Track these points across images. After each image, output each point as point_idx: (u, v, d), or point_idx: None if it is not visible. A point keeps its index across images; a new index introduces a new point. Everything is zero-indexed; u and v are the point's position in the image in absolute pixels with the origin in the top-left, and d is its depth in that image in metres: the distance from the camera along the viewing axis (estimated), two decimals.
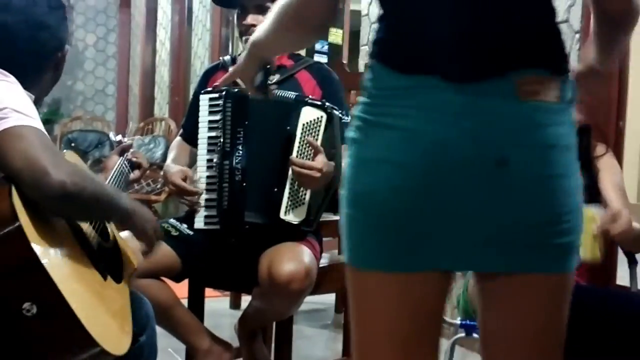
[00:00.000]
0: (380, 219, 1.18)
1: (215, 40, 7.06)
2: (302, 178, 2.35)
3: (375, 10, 4.65)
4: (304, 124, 2.40)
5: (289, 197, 2.41)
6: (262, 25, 1.31)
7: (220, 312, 3.84)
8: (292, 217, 2.43)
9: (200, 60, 7.38)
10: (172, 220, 2.59)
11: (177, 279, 2.56)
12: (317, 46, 5.36)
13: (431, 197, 1.15)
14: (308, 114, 2.41)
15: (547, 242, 1.19)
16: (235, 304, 4.20)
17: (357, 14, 5.03)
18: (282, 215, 2.41)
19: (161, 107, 8.56)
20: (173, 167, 2.55)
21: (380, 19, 1.25)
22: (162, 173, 2.57)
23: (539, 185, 1.16)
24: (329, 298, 4.24)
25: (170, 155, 2.68)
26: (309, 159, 2.36)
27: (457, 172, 1.14)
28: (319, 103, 2.45)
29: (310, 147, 2.38)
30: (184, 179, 2.49)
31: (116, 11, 10.77)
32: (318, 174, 2.33)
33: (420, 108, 1.15)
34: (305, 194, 2.43)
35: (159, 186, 6.63)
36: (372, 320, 1.24)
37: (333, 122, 2.45)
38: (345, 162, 1.27)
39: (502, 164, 1.13)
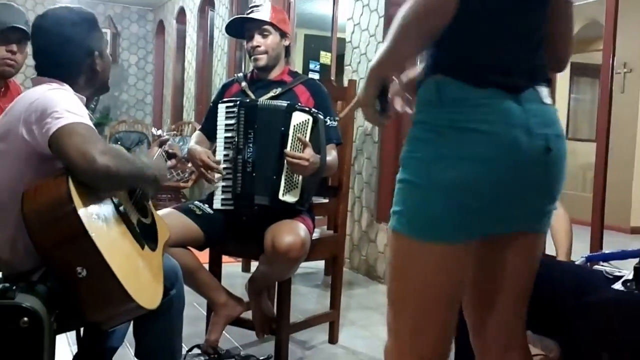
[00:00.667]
0: (464, 201, 1.16)
1: (231, 61, 7.06)
2: (294, 166, 2.36)
3: (356, 38, 4.61)
4: (294, 125, 2.40)
5: (285, 182, 2.41)
6: (382, 49, 1.21)
7: (234, 274, 3.82)
8: (288, 198, 2.42)
9: (219, 77, 7.36)
10: (196, 202, 2.57)
11: (201, 248, 2.54)
12: (311, 66, 5.34)
13: (507, 181, 1.17)
14: (297, 117, 2.41)
15: (552, 208, 1.29)
16: (245, 268, 4.18)
17: (342, 41, 5.00)
18: (280, 197, 2.40)
19: (188, 113, 8.54)
20: (199, 148, 2.53)
21: (450, 41, 1.19)
22: (187, 152, 2.54)
23: (561, 164, 1.24)
24: (319, 264, 4.24)
25: (193, 141, 2.64)
26: (299, 152, 2.37)
27: (525, 159, 1.17)
28: (306, 109, 2.45)
29: (300, 143, 2.39)
30: (208, 157, 2.47)
31: (153, 37, 10.74)
32: (306, 163, 2.35)
33: (496, 113, 1.16)
34: (298, 180, 2.43)
35: (186, 175, 6.64)
36: (431, 283, 1.22)
37: (318, 124, 2.45)
38: (404, 155, 1.24)
39: (549, 150, 1.19)
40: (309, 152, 2.37)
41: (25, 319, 1.32)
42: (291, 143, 2.39)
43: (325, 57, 5.67)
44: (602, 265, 1.78)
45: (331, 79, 4.54)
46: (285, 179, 2.41)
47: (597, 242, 2.85)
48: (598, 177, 2.94)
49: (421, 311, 1.23)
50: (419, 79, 1.24)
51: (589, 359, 1.31)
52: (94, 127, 1.59)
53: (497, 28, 1.19)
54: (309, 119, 2.42)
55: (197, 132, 2.73)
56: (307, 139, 2.39)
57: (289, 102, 2.46)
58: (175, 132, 7.35)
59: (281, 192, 2.40)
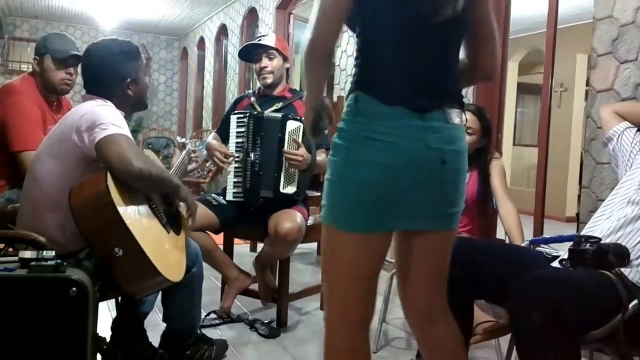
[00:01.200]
0: (365, 198, 1.17)
1: (241, 80, 7.05)
2: (290, 162, 2.38)
3: (344, 62, 4.60)
4: (289, 131, 2.43)
5: (284, 177, 2.42)
6: (317, 84, 1.24)
7: (243, 253, 3.79)
8: (288, 190, 2.44)
9: (232, 93, 7.34)
10: (213, 195, 2.57)
11: (216, 232, 2.54)
12: None
13: (404, 185, 1.17)
14: (291, 125, 2.43)
15: (455, 210, 1.27)
16: (252, 248, 4.15)
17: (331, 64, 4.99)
18: (281, 190, 2.42)
19: (207, 122, 8.52)
20: (215, 142, 2.53)
21: (363, 59, 1.21)
22: (205, 146, 2.52)
23: (457, 175, 1.24)
24: (313, 245, 4.18)
25: (210, 137, 2.65)
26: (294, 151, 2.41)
27: (423, 168, 1.17)
28: (298, 118, 2.46)
29: (295, 144, 2.42)
30: (222, 153, 2.47)
31: (178, 61, 10.70)
32: (300, 159, 2.38)
33: (399, 128, 1.16)
34: (294, 175, 2.44)
35: (205, 173, 6.62)
36: (352, 263, 1.22)
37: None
38: (329, 158, 1.23)
39: (444, 163, 1.19)
40: (302, 150, 2.40)
41: (74, 289, 1.31)
42: (287, 144, 2.41)
43: None
44: (543, 247, 1.78)
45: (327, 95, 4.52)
46: (285, 175, 2.42)
47: (538, 228, 2.86)
48: (539, 176, 2.95)
49: (345, 286, 1.23)
50: (347, 95, 1.24)
51: (531, 324, 1.31)
52: (131, 138, 1.59)
53: (405, 56, 1.17)
54: (299, 126, 2.43)
55: (214, 133, 2.72)
56: (300, 140, 2.42)
57: (283, 113, 2.48)
58: (196, 138, 7.34)
59: (282, 185, 2.41)
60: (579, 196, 4.66)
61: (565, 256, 1.54)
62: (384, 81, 1.18)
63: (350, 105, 1.19)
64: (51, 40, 2.26)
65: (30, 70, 2.31)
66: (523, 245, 1.91)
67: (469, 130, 2.22)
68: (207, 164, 2.33)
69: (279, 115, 2.46)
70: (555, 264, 1.57)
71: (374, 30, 1.19)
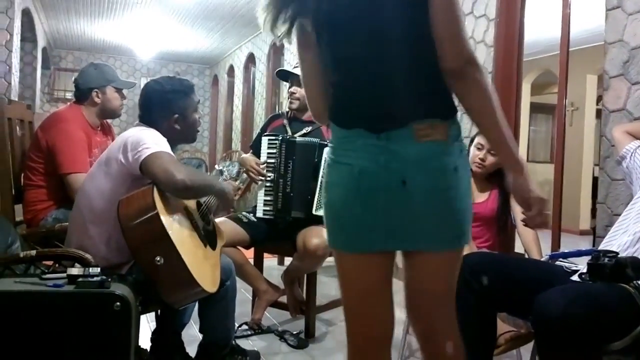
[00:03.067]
0: (337, 219, 1.14)
1: (268, 104, 7.13)
2: None
3: None
4: (325, 158, 2.38)
5: (317, 201, 2.39)
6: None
7: (272, 267, 3.77)
8: (320, 212, 2.38)
9: (259, 116, 7.42)
10: (244, 212, 2.56)
11: (247, 247, 2.53)
12: None
13: (362, 205, 1.09)
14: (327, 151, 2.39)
15: (440, 231, 1.10)
16: (280, 262, 4.14)
17: None
18: (314, 212, 2.39)
19: (235, 143, 8.60)
20: (249, 156, 2.55)
21: (331, 95, 1.17)
22: (239, 160, 2.54)
23: (431, 196, 1.07)
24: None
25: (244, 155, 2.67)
26: None
27: (377, 189, 1.07)
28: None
29: None
30: (257, 164, 2.47)
31: (210, 87, 10.88)
32: None
33: (355, 150, 1.09)
34: None
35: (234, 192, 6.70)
36: (347, 281, 1.17)
37: None
38: None
39: (404, 183, 1.06)
40: None
41: (118, 303, 1.32)
42: (322, 171, 2.38)
43: None
44: (562, 262, 1.74)
45: None
46: (318, 199, 2.39)
47: (555, 242, 2.79)
48: (556, 192, 2.88)
49: (347, 302, 1.18)
50: None
51: (554, 336, 1.28)
52: (173, 155, 1.64)
53: (353, 78, 1.11)
54: None
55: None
56: None
57: (319, 139, 2.47)
58: (226, 158, 7.42)
59: (314, 208, 2.39)
60: (592, 210, 4.58)
61: (585, 270, 1.51)
62: (339, 106, 1.14)
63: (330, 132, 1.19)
64: (108, 72, 2.37)
65: (74, 99, 2.37)
66: (542, 259, 1.87)
67: (491, 151, 2.20)
68: (237, 183, 2.33)
69: (315, 140, 2.46)
70: (575, 277, 1.54)
71: (326, 57, 1.14)
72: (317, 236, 2.30)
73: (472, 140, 2.31)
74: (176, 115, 1.79)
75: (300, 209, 2.43)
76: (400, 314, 2.88)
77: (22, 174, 2.26)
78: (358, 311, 1.17)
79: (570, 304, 1.26)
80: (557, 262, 1.75)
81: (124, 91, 2.42)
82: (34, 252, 1.49)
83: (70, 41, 9.15)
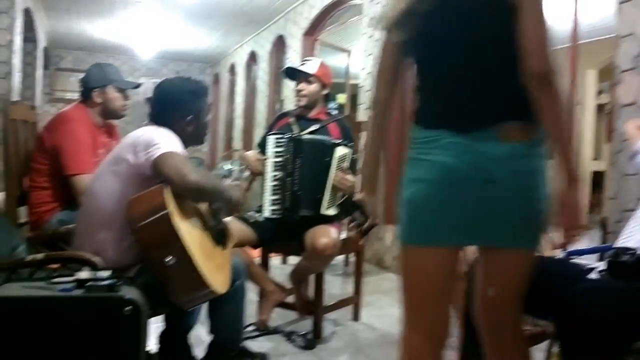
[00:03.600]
0: (418, 213, 1.18)
1: (270, 103, 7.09)
2: (340, 186, 2.36)
3: (368, 83, 4.57)
4: (338, 157, 2.38)
5: (327, 199, 2.37)
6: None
7: (275, 266, 3.70)
8: (329, 212, 2.39)
9: (261, 114, 7.39)
10: (250, 212, 2.52)
11: (255, 247, 2.51)
12: (331, 105, 5.31)
13: (445, 200, 1.15)
14: (340, 151, 2.39)
15: (520, 229, 1.17)
16: (283, 261, 4.11)
17: (355, 86, 4.98)
18: (322, 211, 2.37)
19: (237, 142, 8.56)
20: (250, 153, 2.54)
21: (416, 97, 1.25)
22: (241, 157, 2.58)
23: (514, 195, 1.14)
24: (339, 257, 4.12)
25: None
26: (342, 177, 2.37)
27: (461, 185, 1.14)
28: (346, 144, 2.43)
29: (341, 170, 2.38)
30: (258, 160, 2.46)
31: (211, 86, 10.82)
32: (350, 184, 2.37)
33: (440, 148, 1.15)
34: (337, 199, 2.41)
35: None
36: (416, 276, 1.22)
37: (355, 156, 2.46)
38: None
39: (490, 182, 1.12)
40: (351, 177, 2.37)
41: (128, 307, 1.29)
42: (335, 169, 2.37)
43: (341, 98, 5.68)
44: (579, 259, 1.71)
45: (353, 114, 4.52)
46: (329, 197, 2.37)
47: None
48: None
49: (412, 300, 1.22)
50: None
51: (578, 336, 1.25)
52: (186, 156, 1.60)
53: (444, 84, 1.19)
54: (348, 152, 2.41)
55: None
56: (346, 167, 2.38)
57: (333, 139, 2.44)
58: (226, 157, 7.39)
59: (324, 207, 2.37)
60: (591, 205, 4.55)
61: (604, 268, 1.48)
62: (426, 108, 1.21)
63: (410, 134, 1.23)
64: (110, 72, 2.32)
65: (77, 98, 2.34)
66: (559, 257, 1.83)
67: None
68: (243, 184, 2.30)
69: (327, 139, 2.43)
70: (594, 275, 1.50)
71: (417, 59, 1.23)
72: (325, 235, 2.27)
73: None
74: (190, 117, 1.75)
75: (309, 207, 2.39)
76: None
77: (26, 176, 2.22)
78: (422, 308, 1.21)
79: (596, 304, 1.26)
80: (574, 260, 1.72)
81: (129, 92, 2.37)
82: (40, 256, 1.46)
83: (71, 41, 9.10)
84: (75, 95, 2.36)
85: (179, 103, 1.74)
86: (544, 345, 1.69)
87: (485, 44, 1.14)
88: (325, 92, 2.61)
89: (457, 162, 1.12)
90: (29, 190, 2.19)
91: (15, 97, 5.21)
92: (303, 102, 2.57)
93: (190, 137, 1.78)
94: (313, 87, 2.57)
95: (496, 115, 1.13)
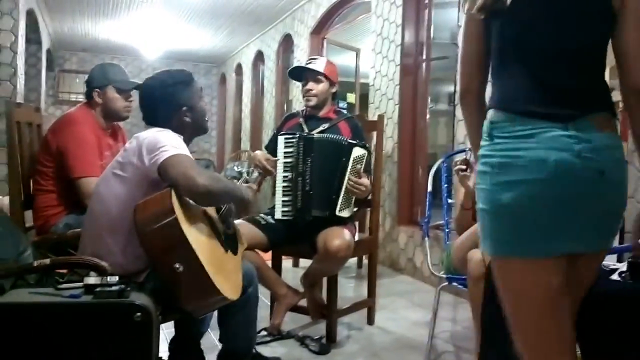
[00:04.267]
0: (517, 220, 1.06)
1: (278, 103, 7.10)
2: (355, 190, 2.33)
3: (378, 82, 4.54)
4: (354, 157, 2.35)
5: (342, 201, 2.35)
6: None
7: (286, 269, 3.64)
8: (344, 214, 2.37)
9: (269, 114, 7.38)
10: (261, 215, 2.50)
11: (265, 250, 2.47)
12: (341, 104, 5.29)
13: (556, 201, 1.04)
14: (357, 151, 2.36)
15: (616, 227, 1.13)
16: (295, 264, 4.08)
17: (365, 85, 4.96)
18: (337, 212, 2.34)
19: (244, 143, 8.57)
20: (258, 152, 2.51)
21: (500, 78, 1.15)
22: (249, 158, 2.53)
23: (619, 187, 1.10)
24: (353, 259, 4.08)
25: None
26: (357, 179, 2.34)
27: (575, 181, 1.04)
28: (363, 144, 2.41)
29: (356, 172, 2.35)
30: (267, 160, 2.42)
31: (217, 86, 10.87)
32: (364, 189, 2.34)
33: (543, 142, 1.04)
34: (351, 201, 2.38)
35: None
36: (522, 293, 1.09)
37: (370, 157, 2.43)
38: (476, 187, 1.13)
39: (602, 174, 1.04)
40: (366, 181, 2.35)
41: (139, 313, 1.27)
42: (350, 171, 2.34)
43: (351, 97, 5.66)
44: None
45: (363, 113, 4.49)
46: (342, 200, 2.35)
47: None
48: None
49: (523, 321, 1.09)
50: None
51: (601, 343, 1.21)
52: (192, 157, 1.57)
53: (544, 70, 1.09)
54: (365, 153, 2.38)
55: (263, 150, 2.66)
56: (363, 168, 2.36)
57: (347, 138, 2.40)
58: (235, 157, 7.39)
59: (338, 208, 2.34)
60: None
61: (625, 269, 1.43)
62: (516, 96, 1.10)
63: (486, 128, 1.12)
64: (111, 72, 2.29)
65: (84, 100, 2.32)
66: None
67: None
68: (253, 185, 2.26)
69: (342, 139, 2.40)
70: (615, 276, 1.46)
71: (509, 43, 1.12)
72: (338, 237, 2.24)
73: None
74: (184, 108, 1.72)
75: (321, 208, 2.36)
76: (425, 315, 2.79)
77: (32, 179, 2.21)
78: (538, 328, 1.08)
79: (619, 307, 1.22)
80: None
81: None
82: (48, 261, 1.44)
83: (75, 42, 9.14)
84: (81, 97, 2.34)
85: (168, 97, 1.70)
86: None
87: (590, 29, 1.08)
88: (333, 90, 2.59)
89: (569, 156, 1.02)
90: (35, 193, 2.17)
91: (19, 99, 5.23)
92: (313, 102, 2.55)
93: (192, 128, 1.75)
94: (322, 86, 2.55)
95: (592, 103, 1.08)
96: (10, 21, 5.08)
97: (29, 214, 2.18)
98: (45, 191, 2.15)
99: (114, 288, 1.29)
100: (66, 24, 7.89)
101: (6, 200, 2.23)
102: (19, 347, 1.23)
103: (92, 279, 1.33)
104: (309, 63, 2.60)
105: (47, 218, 2.13)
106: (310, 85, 2.54)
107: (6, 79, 5.06)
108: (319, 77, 2.54)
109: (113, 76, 2.27)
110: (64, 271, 1.52)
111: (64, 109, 7.19)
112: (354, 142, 2.38)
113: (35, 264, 1.43)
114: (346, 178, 2.33)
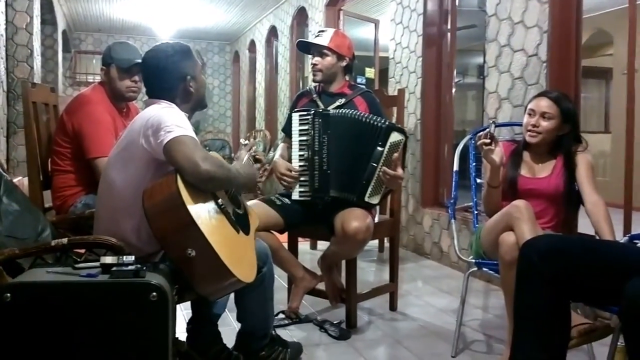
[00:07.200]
0: None
1: (292, 80, 7.08)
2: (391, 181, 2.28)
3: (398, 55, 4.48)
4: (391, 143, 2.29)
5: (372, 189, 2.31)
6: None
7: (304, 251, 3.71)
8: (371, 200, 2.33)
9: (283, 93, 7.37)
10: (277, 195, 2.50)
11: (281, 232, 2.49)
12: (358, 80, 5.24)
13: None
14: (395, 136, 2.30)
15: None
16: (313, 246, 4.13)
17: (385, 59, 4.90)
18: (366, 199, 2.31)
19: (259, 122, 8.62)
20: (280, 162, 2.46)
21: None
22: (272, 163, 2.50)
23: None
24: (374, 242, 4.10)
25: (277, 153, 2.57)
26: (389, 166, 2.27)
27: None
28: (401, 129, 2.35)
29: (391, 160, 2.28)
30: (289, 170, 2.41)
31: (231, 65, 10.91)
32: (400, 180, 2.30)
33: None
34: (382, 188, 2.33)
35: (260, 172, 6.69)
36: None
37: (407, 143, 2.37)
38: None
39: None
40: (401, 172, 2.29)
41: (154, 293, 1.30)
42: (384, 158, 2.28)
43: (370, 72, 5.60)
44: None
45: (382, 89, 4.45)
46: (373, 187, 2.31)
47: (628, 221, 2.64)
48: (627, 166, 2.73)
49: None
50: None
51: None
52: (196, 138, 1.58)
53: None
54: (402, 139, 2.32)
55: (282, 144, 2.64)
56: (399, 156, 2.29)
57: (387, 120, 2.35)
58: (250, 136, 7.43)
59: (367, 195, 2.31)
60: None
61: None
62: None
63: None
64: (116, 50, 2.31)
65: (99, 80, 2.36)
66: (622, 241, 1.76)
67: (546, 115, 2.11)
68: (267, 166, 2.27)
69: (383, 120, 2.33)
70: None
71: None
72: (356, 219, 2.23)
73: (526, 108, 2.21)
74: (188, 77, 1.74)
75: (339, 188, 2.35)
76: (452, 302, 2.78)
77: (50, 159, 2.27)
78: None
79: None
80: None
81: None
82: (65, 240, 1.48)
83: (89, 23, 9.24)
84: (97, 78, 2.37)
85: (172, 65, 1.71)
86: (607, 340, 1.63)
87: None
88: (343, 64, 2.54)
89: None
90: (53, 174, 2.24)
91: (37, 80, 5.33)
92: (318, 76, 2.52)
93: (195, 99, 1.77)
94: (328, 60, 2.51)
95: None
96: (25, 2, 5.15)
97: (48, 194, 2.25)
98: (63, 171, 2.21)
99: (130, 267, 1.33)
100: (80, 4, 7.97)
101: (26, 180, 2.30)
102: (37, 325, 1.28)
103: (109, 259, 1.37)
104: (317, 36, 2.56)
105: (66, 198, 2.20)
106: (316, 59, 2.51)
107: (23, 60, 5.15)
108: (324, 51, 2.50)
109: (115, 54, 2.28)
110: (82, 251, 1.57)
111: (82, 90, 7.29)
112: (393, 125, 2.32)
113: (53, 243, 1.48)
114: (379, 165, 2.27)
